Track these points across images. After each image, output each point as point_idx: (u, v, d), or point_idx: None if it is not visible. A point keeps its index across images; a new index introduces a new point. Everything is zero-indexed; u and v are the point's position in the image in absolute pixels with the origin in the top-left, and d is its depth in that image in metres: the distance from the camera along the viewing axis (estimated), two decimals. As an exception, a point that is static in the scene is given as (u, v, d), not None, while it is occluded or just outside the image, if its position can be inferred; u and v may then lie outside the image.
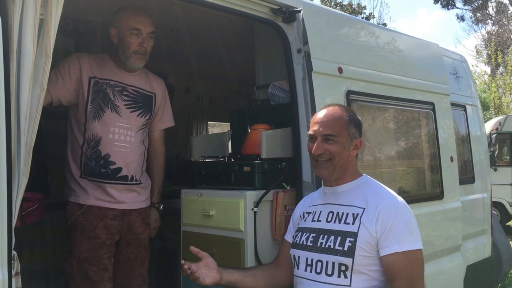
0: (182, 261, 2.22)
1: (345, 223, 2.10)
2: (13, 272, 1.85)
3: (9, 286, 1.82)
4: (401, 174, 3.64)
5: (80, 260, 2.72)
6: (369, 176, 2.29)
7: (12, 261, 1.84)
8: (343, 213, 2.14)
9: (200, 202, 2.91)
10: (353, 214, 2.11)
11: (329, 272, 2.06)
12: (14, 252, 1.86)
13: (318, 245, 2.12)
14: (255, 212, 2.70)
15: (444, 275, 3.82)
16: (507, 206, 10.74)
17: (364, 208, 2.10)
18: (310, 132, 2.21)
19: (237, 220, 2.70)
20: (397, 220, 2.04)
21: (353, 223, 2.08)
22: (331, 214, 2.18)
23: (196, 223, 2.92)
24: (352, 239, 2.04)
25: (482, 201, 4.76)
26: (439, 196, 3.83)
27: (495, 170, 9.95)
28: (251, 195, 2.72)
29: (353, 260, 2.02)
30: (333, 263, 2.06)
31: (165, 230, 3.30)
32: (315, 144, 2.16)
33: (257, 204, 2.71)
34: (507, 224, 10.92)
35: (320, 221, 2.20)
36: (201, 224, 2.89)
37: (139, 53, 2.82)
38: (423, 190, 3.80)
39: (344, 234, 2.07)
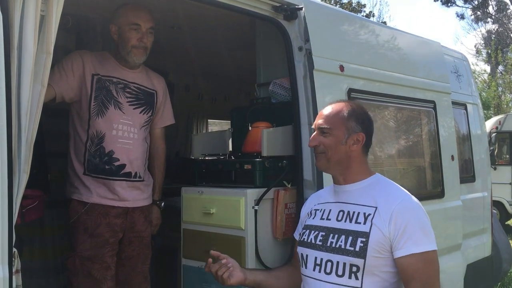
0: (210, 260, 2.19)
1: (356, 222, 2.05)
2: (14, 270, 1.85)
3: (10, 284, 1.81)
4: (402, 172, 3.63)
5: (83, 258, 2.72)
6: (381, 175, 2.23)
7: (13, 259, 1.83)
8: (354, 212, 2.08)
9: (200, 200, 2.90)
10: (364, 213, 2.05)
11: (340, 272, 2.02)
12: (14, 249, 1.85)
13: (328, 244, 2.07)
14: (255, 210, 2.70)
15: (444, 274, 3.76)
16: (507, 205, 10.76)
17: (376, 208, 2.04)
18: (313, 125, 2.25)
19: (238, 218, 2.70)
20: (412, 221, 1.99)
21: (364, 223, 2.03)
22: (341, 213, 2.12)
23: (197, 221, 2.91)
24: (363, 239, 1.99)
25: (483, 200, 4.75)
26: (440, 194, 3.83)
27: (495, 169, 9.95)
28: (252, 193, 2.72)
29: (364, 261, 1.97)
30: (344, 263, 2.01)
31: (165, 228, 3.30)
32: (311, 136, 2.20)
33: (258, 202, 2.71)
34: (506, 223, 10.93)
35: (329, 219, 2.14)
36: (201, 222, 2.89)
37: (139, 48, 2.83)
38: (423, 188, 3.80)
39: (355, 234, 2.02)
